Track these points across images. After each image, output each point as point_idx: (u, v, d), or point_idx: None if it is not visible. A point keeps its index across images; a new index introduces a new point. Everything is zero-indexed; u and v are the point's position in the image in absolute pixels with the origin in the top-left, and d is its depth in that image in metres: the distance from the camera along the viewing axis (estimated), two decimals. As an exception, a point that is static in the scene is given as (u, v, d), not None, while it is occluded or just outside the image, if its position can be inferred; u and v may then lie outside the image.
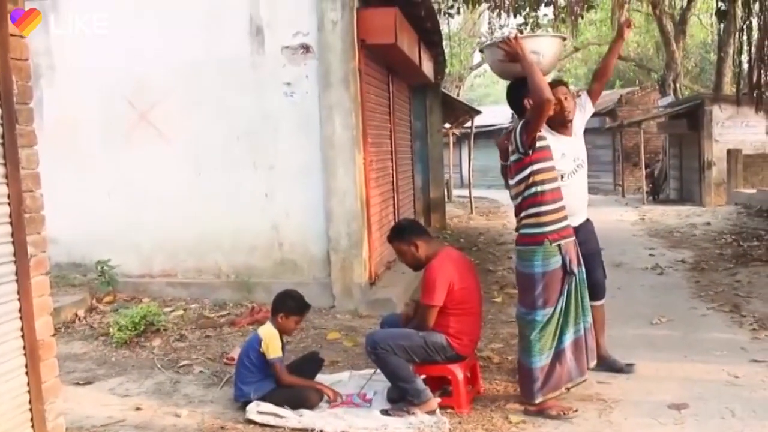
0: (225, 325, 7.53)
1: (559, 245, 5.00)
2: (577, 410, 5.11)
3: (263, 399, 5.22)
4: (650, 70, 34.33)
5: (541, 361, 5.03)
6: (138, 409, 5.42)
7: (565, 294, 5.06)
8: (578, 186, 5.75)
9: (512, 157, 5.09)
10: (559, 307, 5.04)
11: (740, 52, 14.66)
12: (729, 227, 15.94)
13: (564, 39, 6.08)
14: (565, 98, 5.65)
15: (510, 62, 5.09)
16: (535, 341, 5.02)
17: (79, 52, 8.60)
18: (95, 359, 6.61)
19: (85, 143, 8.75)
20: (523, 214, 5.07)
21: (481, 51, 6.00)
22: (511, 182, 5.15)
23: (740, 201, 20.39)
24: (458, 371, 5.21)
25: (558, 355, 5.06)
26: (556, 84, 5.67)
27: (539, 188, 4.99)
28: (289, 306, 5.43)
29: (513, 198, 5.19)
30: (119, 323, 6.95)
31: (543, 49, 5.20)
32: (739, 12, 13.87)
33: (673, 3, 25.16)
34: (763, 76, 13.14)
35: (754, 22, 13.55)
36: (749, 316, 7.76)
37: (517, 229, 5.20)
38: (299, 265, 8.46)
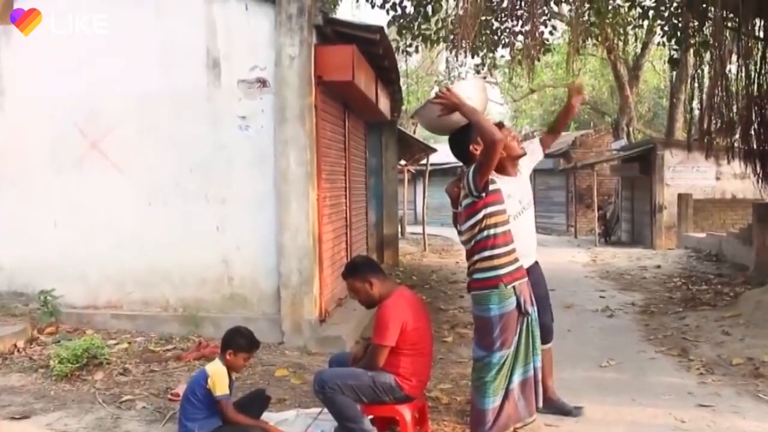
0: (171, 359, 7.37)
1: (513, 287, 5.00)
2: None
3: (208, 437, 5.11)
4: (604, 114, 34.98)
5: (495, 402, 5.00)
6: (76, 445, 5.28)
7: (518, 334, 5.05)
8: (526, 227, 5.76)
9: (465, 201, 5.07)
10: (513, 348, 5.03)
11: (692, 99, 14.93)
12: (679, 271, 16.15)
13: (484, 78, 6.17)
14: (510, 138, 5.69)
15: (448, 114, 5.07)
16: (490, 383, 4.99)
17: (29, 77, 8.48)
18: (33, 392, 6.40)
19: (33, 170, 8.58)
20: (476, 257, 5.04)
21: (412, 117, 5.99)
22: (463, 227, 5.12)
23: (690, 245, 20.70)
24: (406, 412, 5.14)
25: (507, 395, 5.03)
26: (499, 126, 5.68)
27: (492, 231, 4.99)
28: (239, 343, 5.33)
29: (465, 243, 5.16)
30: (60, 355, 6.76)
31: (473, 93, 5.22)
32: (691, 60, 14.17)
33: (627, 49, 25.63)
34: (713, 123, 13.39)
35: (705, 70, 13.83)
36: (696, 361, 7.83)
37: (469, 274, 5.16)
38: (249, 300, 8.35)
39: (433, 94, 5.26)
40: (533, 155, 5.98)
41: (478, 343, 5.14)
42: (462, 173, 5.20)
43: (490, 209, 4.98)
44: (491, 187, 4.99)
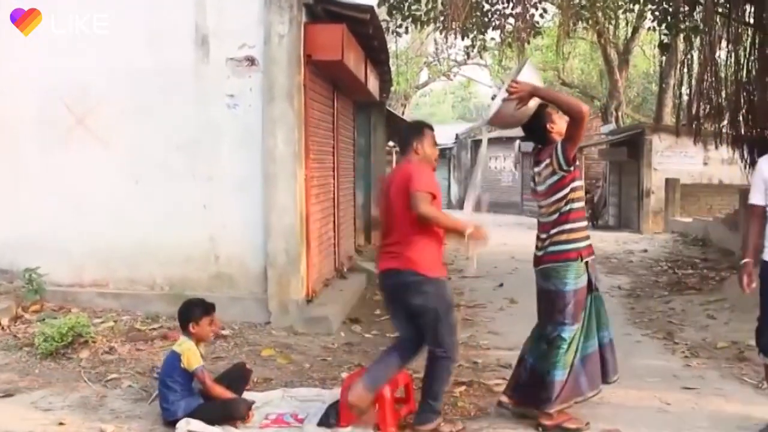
0: (157, 338, 7.33)
1: (586, 262, 5.17)
2: (588, 423, 5.26)
3: (192, 415, 5.10)
4: (593, 98, 34.87)
5: (564, 375, 5.14)
6: (61, 424, 5.25)
7: (584, 309, 5.21)
8: None
9: (553, 178, 5.17)
10: (583, 323, 5.19)
11: (681, 85, 14.96)
12: (665, 255, 16.22)
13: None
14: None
15: (526, 104, 5.14)
16: (562, 356, 5.13)
17: (15, 51, 8.34)
18: (18, 370, 6.37)
19: (17, 145, 8.47)
20: (555, 230, 5.17)
21: (490, 126, 5.87)
22: (546, 201, 5.25)
23: (677, 229, 20.78)
24: (386, 389, 5.17)
25: (571, 368, 5.17)
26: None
27: (575, 205, 5.18)
28: (195, 312, 5.35)
29: (547, 215, 5.25)
30: (45, 333, 6.71)
31: (535, 76, 5.33)
32: (681, 45, 14.18)
33: (617, 33, 25.62)
34: (702, 108, 13.42)
35: (695, 55, 13.84)
36: (682, 344, 7.88)
37: (543, 248, 5.26)
38: (235, 279, 8.32)
39: (500, 95, 5.34)
40: None
41: (549, 319, 5.25)
42: (541, 150, 5.34)
43: (575, 183, 5.17)
44: (577, 162, 5.17)
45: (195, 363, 5.18)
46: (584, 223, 5.29)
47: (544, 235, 5.27)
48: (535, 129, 5.37)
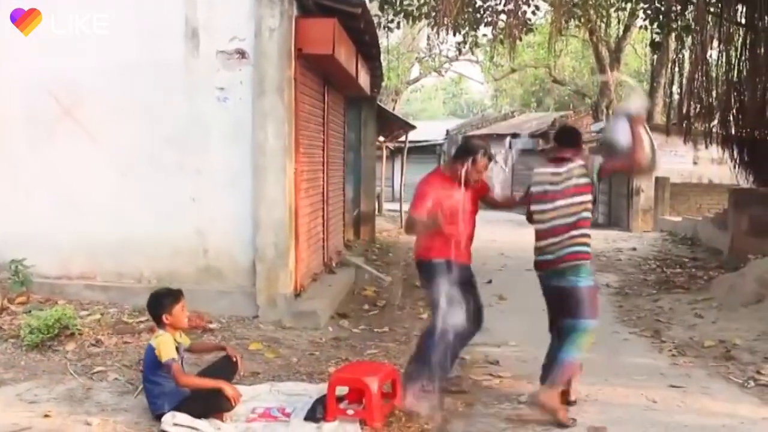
0: (144, 331, 7.28)
1: None
2: (575, 420, 5.37)
3: (178, 408, 5.08)
4: (584, 95, 34.93)
5: (577, 357, 5.50)
6: (46, 416, 5.22)
7: None
8: None
9: (583, 180, 5.42)
10: None
11: (672, 84, 14.99)
12: (654, 253, 16.24)
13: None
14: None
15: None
16: (583, 342, 5.44)
17: (4, 43, 8.29)
18: (3, 362, 6.34)
19: (5, 138, 8.42)
20: (577, 232, 5.40)
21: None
22: (564, 201, 5.43)
23: (666, 228, 20.82)
24: (373, 384, 5.17)
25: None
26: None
27: (586, 214, 5.43)
28: (165, 303, 5.36)
29: (566, 216, 5.42)
30: (31, 325, 6.67)
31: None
32: (673, 44, 14.21)
33: (609, 31, 25.62)
34: (692, 107, 13.45)
35: (686, 55, 13.88)
36: (669, 342, 7.89)
37: (556, 251, 5.42)
38: (224, 272, 8.29)
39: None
40: None
41: (588, 314, 5.44)
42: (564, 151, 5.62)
43: (589, 197, 5.43)
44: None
45: (166, 355, 5.14)
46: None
47: (556, 239, 5.42)
48: (573, 138, 5.74)
